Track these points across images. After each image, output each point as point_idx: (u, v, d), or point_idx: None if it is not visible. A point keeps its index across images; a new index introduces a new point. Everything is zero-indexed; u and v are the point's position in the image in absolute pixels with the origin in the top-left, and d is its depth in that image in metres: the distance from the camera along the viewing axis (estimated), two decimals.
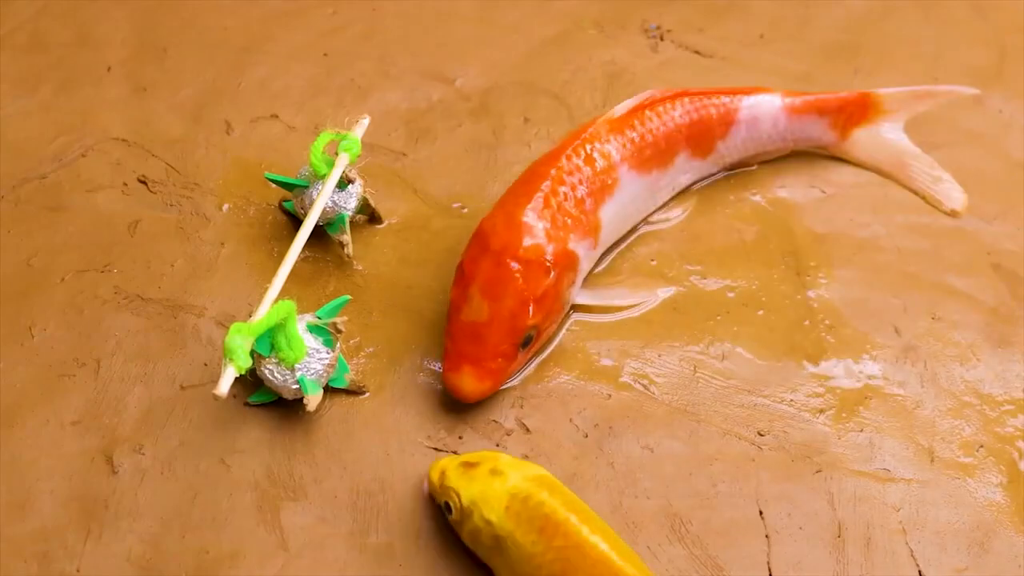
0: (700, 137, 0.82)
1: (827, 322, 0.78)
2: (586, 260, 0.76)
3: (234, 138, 0.88)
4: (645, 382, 0.75)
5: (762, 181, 0.87)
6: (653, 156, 0.79)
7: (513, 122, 0.90)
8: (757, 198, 0.86)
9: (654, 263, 0.81)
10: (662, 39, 0.98)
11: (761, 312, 0.79)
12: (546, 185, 0.74)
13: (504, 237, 0.72)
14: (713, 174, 0.86)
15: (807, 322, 0.78)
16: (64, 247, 0.81)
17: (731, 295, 0.80)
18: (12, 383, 0.73)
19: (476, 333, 0.70)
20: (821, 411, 0.74)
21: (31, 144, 0.87)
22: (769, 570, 0.67)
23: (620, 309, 0.78)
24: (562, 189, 0.74)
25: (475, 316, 0.70)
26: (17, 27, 0.96)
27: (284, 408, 0.72)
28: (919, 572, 0.67)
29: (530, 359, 0.75)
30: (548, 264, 0.72)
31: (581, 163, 0.76)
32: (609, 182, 0.77)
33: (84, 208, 0.83)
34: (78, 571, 0.66)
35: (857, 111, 0.86)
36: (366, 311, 0.78)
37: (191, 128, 0.89)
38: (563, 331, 0.77)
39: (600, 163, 0.76)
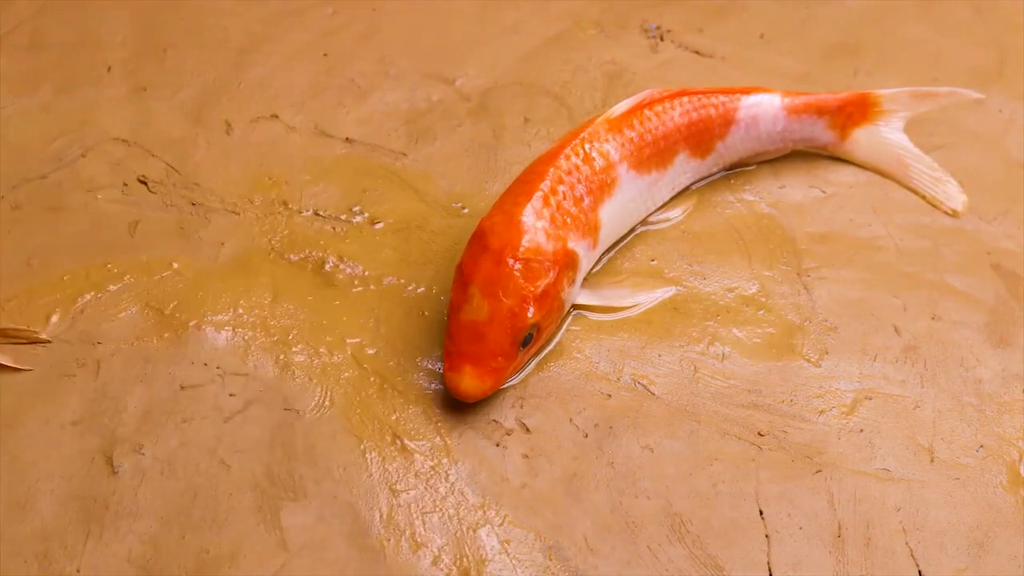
0: (699, 137, 0.82)
1: (827, 322, 0.78)
2: (586, 259, 0.76)
3: (234, 138, 0.88)
4: (645, 382, 0.75)
5: (762, 181, 0.87)
6: (652, 156, 0.79)
7: (513, 122, 0.90)
8: (757, 198, 0.86)
9: (654, 263, 0.81)
10: (662, 39, 0.98)
11: (761, 312, 0.79)
12: (545, 184, 0.74)
13: (504, 236, 0.72)
14: (713, 174, 0.86)
15: (807, 322, 0.78)
16: (64, 247, 0.81)
17: (731, 295, 0.80)
18: (12, 383, 0.73)
19: (476, 332, 0.70)
20: (821, 411, 0.74)
21: (31, 144, 0.87)
22: (769, 570, 0.67)
23: (621, 309, 0.78)
24: (561, 188, 0.74)
25: (475, 315, 0.70)
26: (17, 27, 0.96)
27: (284, 408, 0.72)
28: (919, 572, 0.67)
29: (530, 358, 0.75)
30: (548, 263, 0.72)
31: (580, 162, 0.76)
32: (608, 181, 0.77)
33: (84, 208, 0.83)
34: (78, 571, 0.66)
35: (857, 111, 0.86)
36: (366, 311, 0.78)
37: (191, 128, 0.89)
38: (563, 331, 0.77)
39: (599, 162, 0.76)
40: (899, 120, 0.86)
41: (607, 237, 0.79)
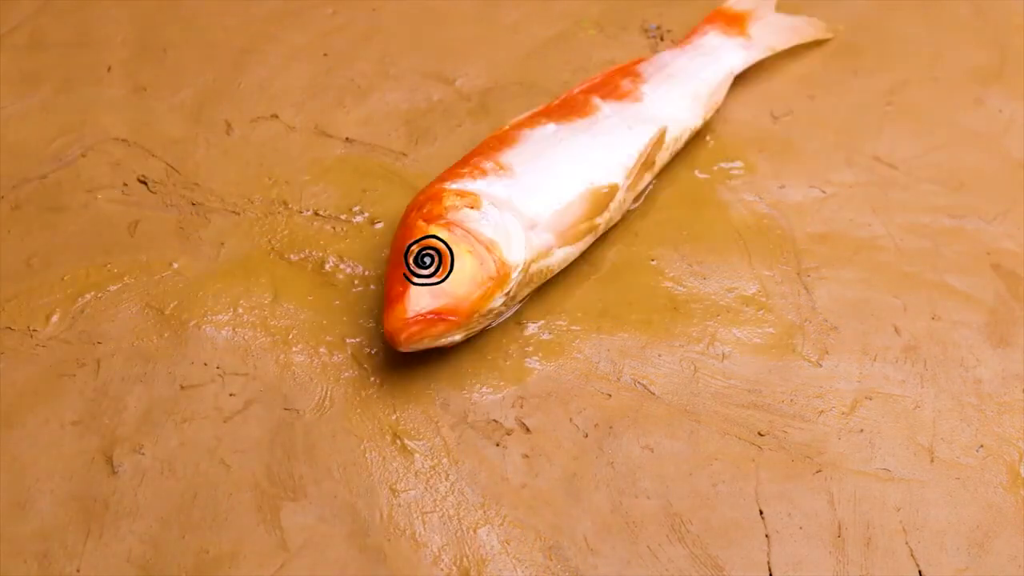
0: (609, 86, 0.86)
1: (827, 322, 0.78)
2: (498, 187, 0.77)
3: (234, 138, 0.89)
4: (645, 382, 0.75)
5: (762, 181, 0.87)
6: (561, 107, 0.84)
7: None
8: (757, 198, 0.86)
9: (654, 263, 0.81)
10: (662, 39, 0.98)
11: (761, 312, 0.79)
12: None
13: (419, 198, 0.77)
14: (686, 140, 0.87)
15: (807, 322, 0.78)
16: (64, 247, 0.81)
17: (731, 295, 0.80)
18: (12, 383, 0.73)
19: (388, 277, 0.73)
20: (821, 411, 0.74)
21: (31, 144, 0.87)
22: (769, 570, 0.67)
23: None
24: (474, 159, 0.79)
25: (388, 266, 0.75)
26: (17, 27, 0.96)
27: (284, 408, 0.72)
28: (919, 572, 0.67)
29: (480, 316, 0.73)
30: (441, 194, 0.75)
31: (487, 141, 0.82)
32: (507, 139, 0.81)
33: (84, 208, 0.83)
34: (78, 571, 0.66)
35: (735, 16, 0.94)
36: (366, 311, 0.78)
37: (191, 128, 0.89)
38: (562, 331, 0.77)
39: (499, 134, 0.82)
40: (767, 6, 0.95)
41: (529, 169, 0.79)
